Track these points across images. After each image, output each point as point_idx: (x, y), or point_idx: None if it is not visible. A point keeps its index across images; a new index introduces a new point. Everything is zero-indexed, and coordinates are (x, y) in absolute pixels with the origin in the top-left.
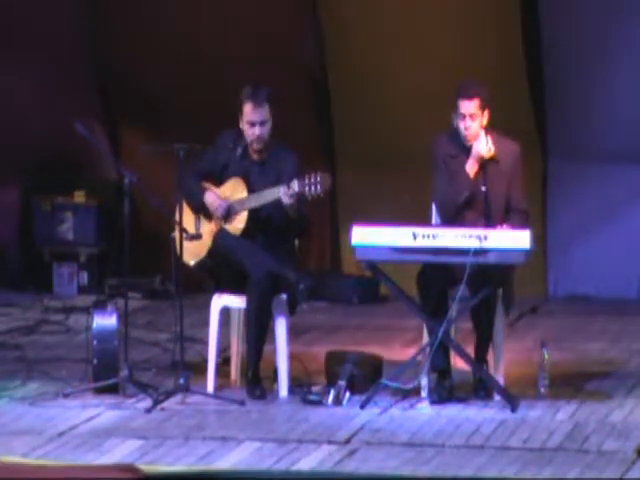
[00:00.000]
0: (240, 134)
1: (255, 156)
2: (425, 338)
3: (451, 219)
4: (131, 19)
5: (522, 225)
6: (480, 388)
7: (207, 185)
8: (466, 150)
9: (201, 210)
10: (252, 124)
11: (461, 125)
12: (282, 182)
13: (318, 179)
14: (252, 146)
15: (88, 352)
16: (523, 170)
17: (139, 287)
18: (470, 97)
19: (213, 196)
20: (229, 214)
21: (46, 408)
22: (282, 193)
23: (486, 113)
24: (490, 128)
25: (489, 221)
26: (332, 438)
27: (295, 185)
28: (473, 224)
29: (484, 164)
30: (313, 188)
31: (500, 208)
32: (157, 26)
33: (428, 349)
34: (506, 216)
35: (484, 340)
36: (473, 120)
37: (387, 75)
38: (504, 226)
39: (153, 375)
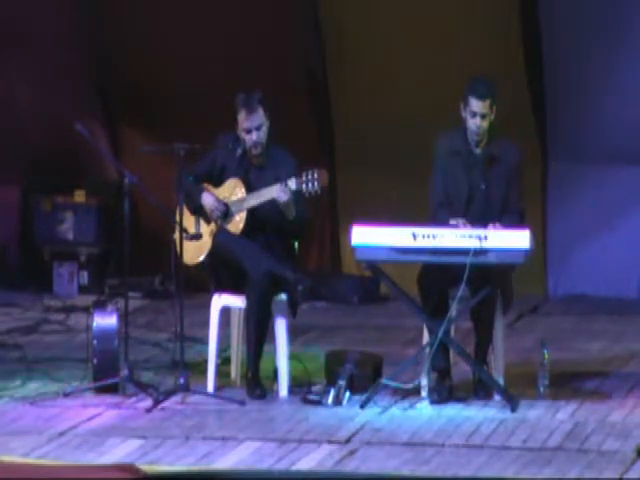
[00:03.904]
0: (239, 136)
1: (254, 159)
2: (425, 338)
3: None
4: (131, 19)
5: (517, 223)
6: (480, 388)
7: (205, 186)
8: (470, 146)
9: (199, 211)
10: (248, 131)
11: (471, 122)
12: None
13: (315, 176)
14: (251, 152)
15: (88, 352)
16: (524, 171)
17: (139, 287)
18: (483, 97)
19: (211, 197)
20: (227, 215)
21: (46, 408)
22: (279, 190)
23: (494, 110)
24: (495, 128)
25: (487, 219)
26: (332, 438)
27: (292, 183)
28: (472, 222)
29: (486, 161)
30: (310, 185)
31: (498, 207)
32: (157, 26)
33: (428, 349)
34: (503, 214)
35: (484, 340)
36: (484, 119)
37: (387, 75)
38: (497, 225)
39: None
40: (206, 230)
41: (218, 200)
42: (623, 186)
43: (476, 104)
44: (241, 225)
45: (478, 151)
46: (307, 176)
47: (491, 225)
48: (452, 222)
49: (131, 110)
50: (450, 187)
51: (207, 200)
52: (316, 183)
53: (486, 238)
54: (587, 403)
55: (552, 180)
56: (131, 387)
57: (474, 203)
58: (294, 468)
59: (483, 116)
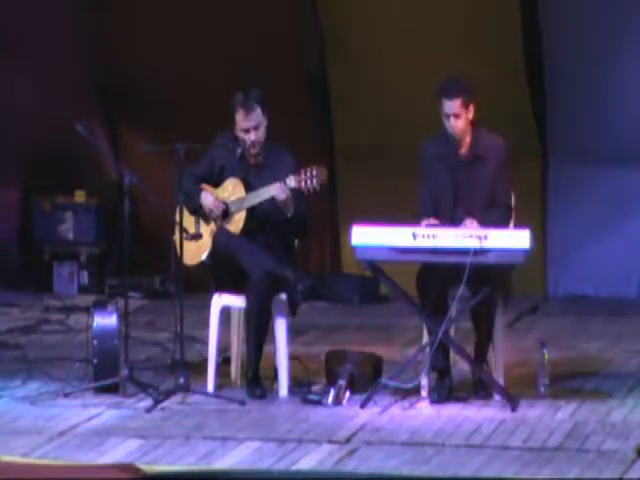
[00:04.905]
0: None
1: (253, 159)
2: (425, 338)
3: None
4: (130, 19)
5: (501, 217)
6: (480, 388)
7: (204, 186)
8: (454, 148)
9: (198, 211)
10: (246, 130)
11: (447, 124)
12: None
13: (314, 173)
14: (249, 151)
15: (88, 352)
16: (522, 169)
17: (139, 287)
18: (451, 97)
19: (210, 197)
20: (226, 215)
21: (46, 408)
22: (277, 189)
23: (472, 108)
24: (478, 123)
25: (473, 217)
26: (332, 437)
27: (291, 180)
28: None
29: (470, 162)
30: (309, 182)
31: (483, 204)
32: (157, 26)
33: (428, 349)
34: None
35: (484, 340)
36: (457, 119)
37: (387, 75)
38: (473, 221)
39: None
40: (206, 230)
41: (217, 199)
42: (623, 186)
43: (446, 104)
44: (241, 224)
45: (463, 152)
46: (306, 174)
47: (469, 220)
48: None
49: (131, 110)
50: (436, 190)
51: (206, 200)
52: (315, 180)
53: (486, 238)
54: (587, 403)
55: (552, 180)
56: (131, 387)
57: (461, 205)
58: (294, 468)
59: (456, 116)
